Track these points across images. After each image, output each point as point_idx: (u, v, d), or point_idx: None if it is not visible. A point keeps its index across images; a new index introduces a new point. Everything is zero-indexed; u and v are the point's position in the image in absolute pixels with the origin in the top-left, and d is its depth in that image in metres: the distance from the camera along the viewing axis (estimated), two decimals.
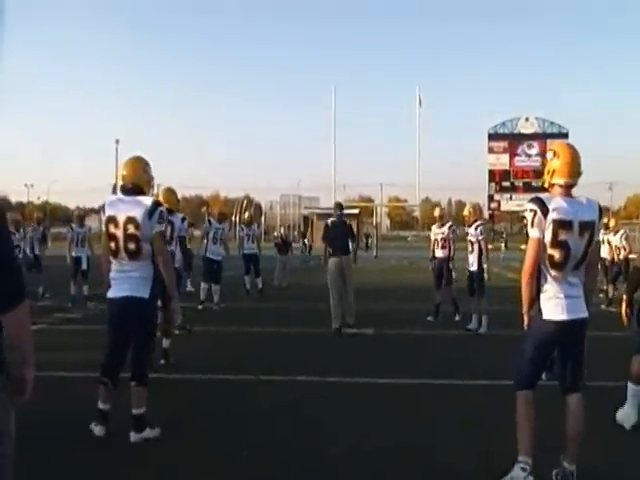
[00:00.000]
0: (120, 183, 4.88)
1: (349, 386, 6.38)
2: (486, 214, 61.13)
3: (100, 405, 4.68)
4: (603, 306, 12.02)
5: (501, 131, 52.33)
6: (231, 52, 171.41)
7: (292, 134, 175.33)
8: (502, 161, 52.31)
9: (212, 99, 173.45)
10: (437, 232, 11.19)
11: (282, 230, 18.54)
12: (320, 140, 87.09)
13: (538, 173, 50.32)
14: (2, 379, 2.11)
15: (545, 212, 3.65)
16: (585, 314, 3.80)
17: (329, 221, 10.19)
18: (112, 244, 4.63)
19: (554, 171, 3.79)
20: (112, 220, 4.64)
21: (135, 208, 4.59)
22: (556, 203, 3.67)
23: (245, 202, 56.64)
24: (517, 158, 51.87)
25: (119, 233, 4.59)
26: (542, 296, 3.78)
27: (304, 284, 17.31)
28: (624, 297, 4.97)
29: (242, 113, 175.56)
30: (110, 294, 4.71)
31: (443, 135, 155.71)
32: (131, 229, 4.55)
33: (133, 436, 4.61)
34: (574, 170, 3.78)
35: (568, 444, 3.78)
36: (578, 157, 3.85)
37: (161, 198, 7.32)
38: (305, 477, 4.12)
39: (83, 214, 14.59)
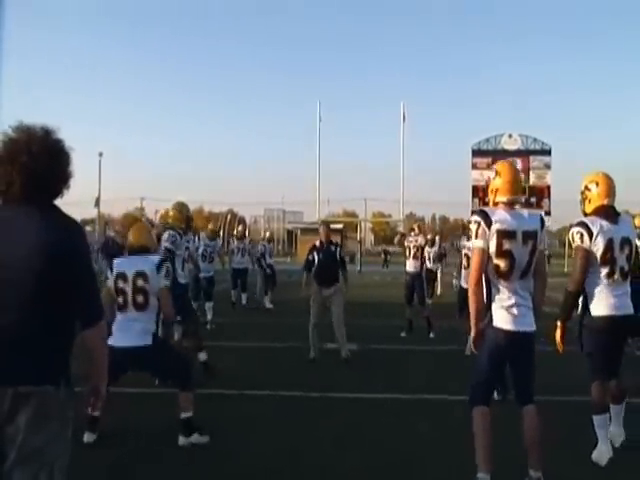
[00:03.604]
0: (128, 246, 5.33)
1: (332, 401, 6.39)
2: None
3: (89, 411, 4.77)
4: None
5: (485, 147, 52.43)
6: (216, 66, 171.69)
7: (276, 148, 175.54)
8: (486, 177, 52.10)
9: (195, 112, 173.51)
10: (410, 240, 11.02)
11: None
12: (304, 154, 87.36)
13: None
14: (68, 393, 2.37)
15: (489, 223, 3.82)
16: (532, 328, 3.92)
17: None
18: (120, 299, 4.87)
19: (497, 190, 4.00)
20: (121, 276, 4.92)
21: (144, 263, 4.97)
22: (499, 215, 3.86)
23: (229, 216, 56.49)
24: None
25: (128, 288, 4.86)
26: (493, 305, 3.90)
27: (287, 298, 17.10)
28: (558, 324, 4.68)
29: (226, 126, 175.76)
30: (112, 342, 4.47)
31: (427, 151, 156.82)
32: (140, 282, 4.86)
33: (181, 440, 4.82)
34: (516, 188, 4.00)
35: (530, 453, 3.92)
36: (519, 175, 4.11)
37: (170, 213, 7.71)
38: None
39: None
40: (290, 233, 69.37)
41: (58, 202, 2.49)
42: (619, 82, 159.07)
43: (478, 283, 3.86)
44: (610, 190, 4.71)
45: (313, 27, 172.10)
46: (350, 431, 5.37)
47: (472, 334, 3.93)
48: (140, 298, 4.84)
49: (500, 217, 3.84)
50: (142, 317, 4.84)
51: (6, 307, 2.26)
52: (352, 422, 5.65)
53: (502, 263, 3.82)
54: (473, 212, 4.00)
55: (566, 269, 32.36)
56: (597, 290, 4.61)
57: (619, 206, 4.84)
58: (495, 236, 3.81)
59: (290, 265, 37.73)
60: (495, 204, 4.01)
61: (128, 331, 4.78)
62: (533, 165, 51.33)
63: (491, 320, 3.89)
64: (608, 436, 4.63)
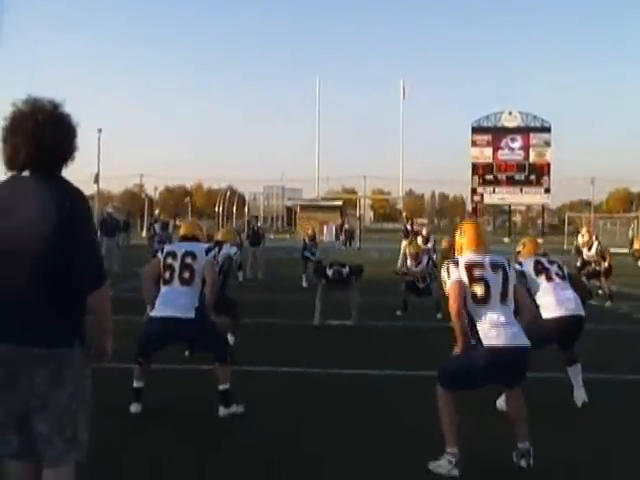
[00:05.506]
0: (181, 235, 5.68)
1: (333, 377, 6.42)
2: (469, 207, 61.37)
3: (135, 383, 5.04)
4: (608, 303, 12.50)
5: (485, 124, 52.36)
6: (215, 43, 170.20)
7: (276, 125, 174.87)
8: (485, 154, 52.19)
9: (194, 89, 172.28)
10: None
11: (255, 220, 18.39)
12: (304, 131, 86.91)
13: (521, 166, 50.70)
14: (85, 351, 2.50)
15: (456, 263, 4.14)
16: (526, 342, 3.97)
17: None
18: (167, 273, 5.10)
19: (462, 246, 4.30)
20: (171, 254, 5.21)
21: (194, 246, 5.31)
22: (464, 256, 4.20)
23: (229, 193, 56.37)
24: (500, 151, 51.93)
25: (176, 264, 5.12)
26: (480, 334, 3.94)
27: (280, 275, 17.14)
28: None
29: (225, 103, 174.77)
30: (156, 313, 5.01)
31: (427, 128, 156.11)
32: (188, 260, 5.13)
33: (221, 411, 5.00)
34: (479, 243, 4.26)
35: (516, 427, 4.09)
36: (482, 232, 4.41)
37: (220, 237, 8.10)
38: (285, 471, 4.14)
39: None
40: (289, 210, 69.28)
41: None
42: (620, 57, 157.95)
43: (459, 314, 3.98)
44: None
45: (314, 3, 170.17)
46: (352, 408, 5.39)
47: (457, 349, 4.04)
48: (187, 274, 5.06)
49: (466, 257, 4.18)
50: (187, 291, 5.02)
51: (18, 274, 2.36)
52: (353, 399, 5.67)
53: (478, 288, 3.99)
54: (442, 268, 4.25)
55: (565, 246, 32.34)
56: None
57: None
58: (464, 269, 4.05)
59: (289, 242, 37.90)
60: None
61: (172, 303, 4.98)
62: (533, 142, 51.25)
63: (481, 343, 3.93)
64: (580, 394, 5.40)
